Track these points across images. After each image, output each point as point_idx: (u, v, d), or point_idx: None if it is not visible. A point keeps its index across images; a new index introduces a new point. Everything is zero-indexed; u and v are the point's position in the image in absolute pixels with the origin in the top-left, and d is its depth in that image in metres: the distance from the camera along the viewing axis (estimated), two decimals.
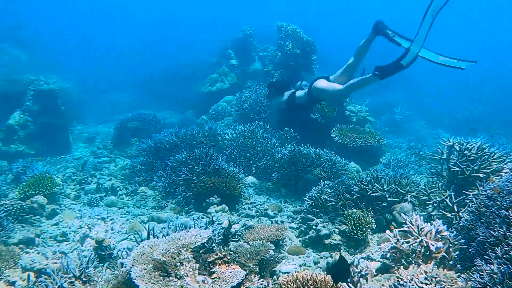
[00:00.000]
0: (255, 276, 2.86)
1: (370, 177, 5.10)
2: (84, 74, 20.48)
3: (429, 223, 3.08)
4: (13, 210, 4.97)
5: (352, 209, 4.66)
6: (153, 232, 3.53)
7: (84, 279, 2.86)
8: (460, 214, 3.50)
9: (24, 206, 5.14)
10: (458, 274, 2.51)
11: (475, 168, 4.08)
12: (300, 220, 4.90)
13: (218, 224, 4.03)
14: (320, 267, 3.76)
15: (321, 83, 5.59)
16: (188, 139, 7.31)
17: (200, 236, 2.75)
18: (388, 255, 3.12)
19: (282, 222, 5.07)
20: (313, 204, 5.05)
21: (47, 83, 9.84)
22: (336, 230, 4.44)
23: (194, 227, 3.54)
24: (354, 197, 4.90)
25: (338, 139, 7.76)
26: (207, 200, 5.39)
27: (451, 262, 2.84)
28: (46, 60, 17.97)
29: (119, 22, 45.30)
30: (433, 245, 2.81)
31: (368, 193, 4.81)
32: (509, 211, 2.56)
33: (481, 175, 3.98)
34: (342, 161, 6.87)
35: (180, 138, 7.33)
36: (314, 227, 4.42)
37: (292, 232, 4.65)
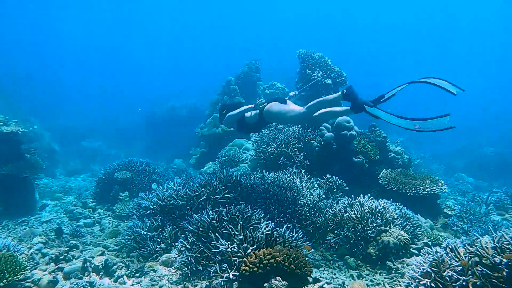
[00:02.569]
0: None
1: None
2: (55, 119, 18.36)
3: None
4: None
5: None
6: None
7: None
8: None
9: None
10: None
11: None
12: None
13: None
14: None
15: (275, 107, 4.80)
16: (208, 192, 5.48)
17: None
18: None
19: None
20: None
21: (7, 124, 7.78)
22: None
23: None
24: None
25: (391, 186, 6.26)
26: (266, 285, 3.53)
27: None
28: (7, 103, 15.80)
29: (108, 61, 43.93)
30: None
31: None
32: None
33: None
34: (414, 216, 5.30)
35: (196, 192, 5.49)
36: None
37: None
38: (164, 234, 5.10)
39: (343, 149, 6.62)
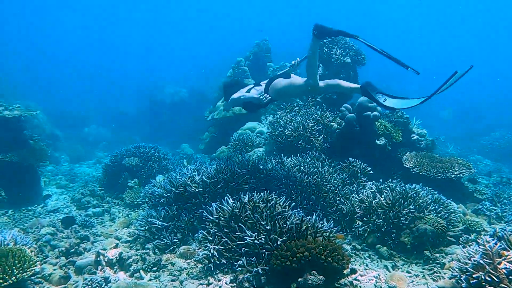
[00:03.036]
0: None
1: None
2: (55, 103, 17.91)
3: None
4: None
5: None
6: None
7: None
8: None
9: None
10: None
11: None
12: None
13: None
14: None
15: (279, 84, 4.60)
16: (225, 178, 5.12)
17: None
18: None
19: None
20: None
21: (9, 109, 7.38)
22: None
23: None
24: None
25: (418, 170, 5.89)
26: (300, 280, 3.20)
27: None
28: (5, 84, 15.29)
29: (109, 42, 42.92)
30: None
31: None
32: None
33: None
34: (448, 201, 4.95)
35: (213, 178, 5.12)
36: None
37: None
38: (180, 224, 4.76)
39: (365, 131, 6.22)
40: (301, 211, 4.16)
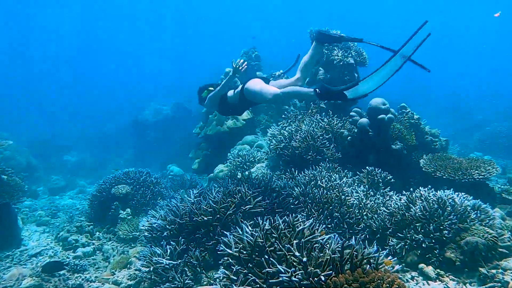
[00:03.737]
0: None
1: None
2: (29, 131, 16.75)
3: None
4: None
5: None
6: None
7: None
8: None
9: None
10: None
11: None
12: None
13: None
14: None
15: (255, 86, 4.43)
16: (236, 202, 4.48)
17: None
18: None
19: None
20: None
21: None
22: None
23: None
24: None
25: (441, 173, 5.44)
26: None
27: None
28: None
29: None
30: None
31: None
32: None
33: None
34: (486, 206, 4.48)
35: (222, 203, 4.47)
36: None
37: None
38: (191, 260, 4.08)
39: (379, 136, 5.75)
40: (336, 235, 3.57)
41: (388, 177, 5.29)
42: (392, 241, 4.24)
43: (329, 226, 4.41)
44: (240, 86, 4.64)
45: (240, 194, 4.58)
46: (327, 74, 6.64)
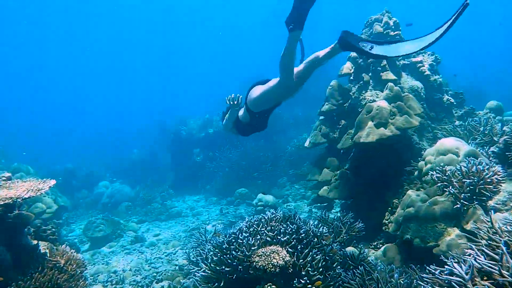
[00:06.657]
0: None
1: None
2: (51, 163, 13.87)
3: None
4: None
5: None
6: None
7: None
8: None
9: None
10: None
11: None
12: None
13: None
14: None
15: (255, 93, 3.84)
16: None
17: None
18: None
19: None
20: None
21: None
22: None
23: None
24: None
25: None
26: None
27: None
28: None
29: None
30: None
31: None
32: None
33: None
34: None
35: None
36: None
37: None
38: None
39: None
40: None
41: None
42: None
43: None
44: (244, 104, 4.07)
45: None
46: None
